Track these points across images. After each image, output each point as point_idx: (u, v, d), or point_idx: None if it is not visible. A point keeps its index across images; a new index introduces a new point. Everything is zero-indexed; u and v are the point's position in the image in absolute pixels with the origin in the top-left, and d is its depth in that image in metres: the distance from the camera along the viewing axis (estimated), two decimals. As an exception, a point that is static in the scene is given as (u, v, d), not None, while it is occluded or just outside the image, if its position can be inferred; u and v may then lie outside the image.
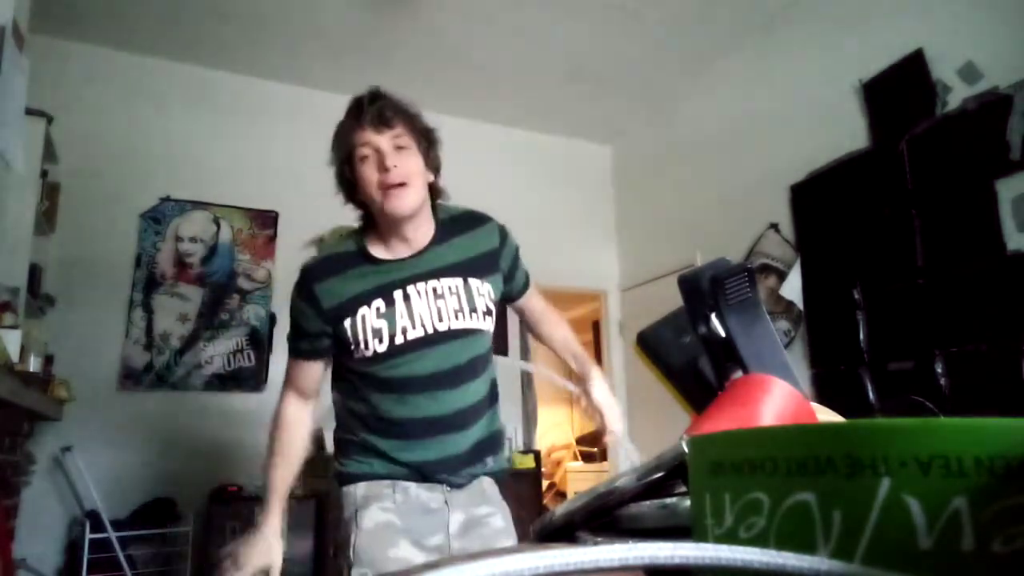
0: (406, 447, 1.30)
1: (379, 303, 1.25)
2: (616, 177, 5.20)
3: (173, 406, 3.60)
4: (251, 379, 3.79)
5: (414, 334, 1.26)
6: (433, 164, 1.32)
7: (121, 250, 3.66)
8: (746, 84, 3.93)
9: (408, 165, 1.24)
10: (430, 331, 1.26)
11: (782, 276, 3.50)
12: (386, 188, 1.23)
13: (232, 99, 4.06)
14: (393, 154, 1.23)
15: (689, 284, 0.62)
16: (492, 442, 1.40)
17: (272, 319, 3.90)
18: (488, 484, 1.39)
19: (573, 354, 1.58)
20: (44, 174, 3.19)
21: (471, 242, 1.35)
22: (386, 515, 1.27)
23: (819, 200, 3.36)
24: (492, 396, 1.42)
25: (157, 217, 3.78)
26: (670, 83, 4.38)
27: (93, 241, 3.59)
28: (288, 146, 4.03)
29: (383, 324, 1.25)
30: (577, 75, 4.23)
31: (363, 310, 1.25)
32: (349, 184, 1.29)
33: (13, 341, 2.49)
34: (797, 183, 3.47)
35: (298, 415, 1.37)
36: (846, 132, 3.21)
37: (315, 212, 2.88)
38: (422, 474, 1.31)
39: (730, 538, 0.27)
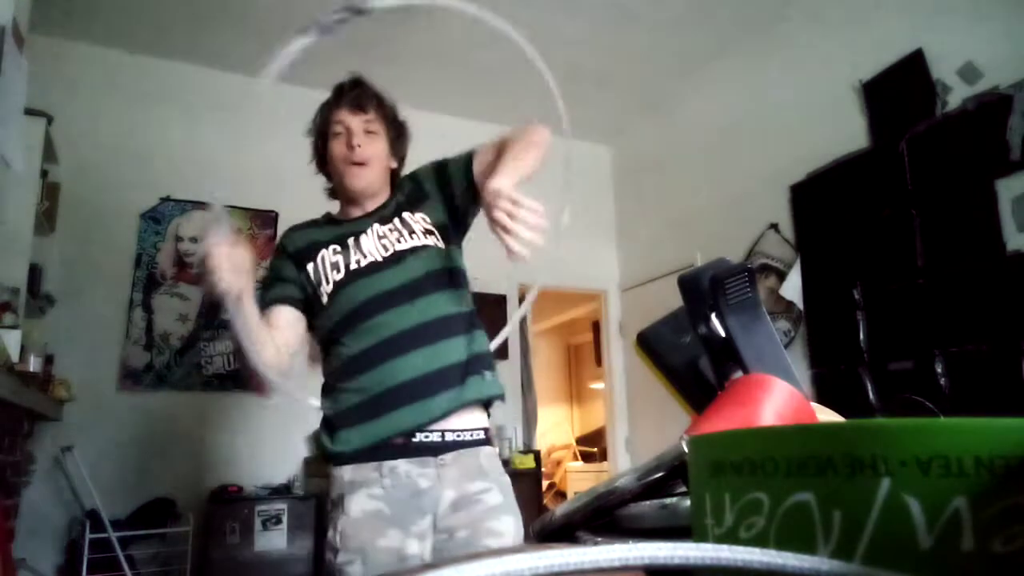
0: (379, 377, 1.29)
1: (336, 246, 1.41)
2: (616, 177, 5.20)
3: (173, 406, 3.60)
4: (251, 379, 3.79)
5: (365, 262, 1.38)
6: (398, 152, 1.50)
7: (121, 250, 3.66)
8: (746, 84, 3.93)
9: (373, 148, 1.42)
10: (377, 259, 1.38)
11: (782, 276, 3.50)
12: (348, 164, 1.40)
13: (232, 99, 4.06)
14: (361, 135, 1.40)
15: (689, 284, 0.62)
16: (471, 363, 1.36)
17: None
18: (486, 457, 1.36)
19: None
20: (44, 174, 3.19)
21: (409, 189, 1.51)
22: (374, 503, 1.26)
23: (819, 200, 3.36)
24: (466, 318, 1.40)
25: (157, 217, 3.78)
26: (670, 83, 4.38)
27: (93, 241, 3.59)
28: (288, 146, 4.00)
29: (339, 258, 1.39)
30: (577, 75, 4.23)
31: (323, 252, 1.40)
32: (321, 156, 1.48)
33: (13, 341, 2.49)
34: (797, 183, 3.47)
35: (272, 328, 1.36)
36: (846, 132, 3.21)
37: (315, 212, 2.88)
38: (402, 429, 1.28)
39: (730, 538, 0.27)
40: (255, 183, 3.97)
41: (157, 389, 3.58)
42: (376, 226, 1.42)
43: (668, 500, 0.42)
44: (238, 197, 3.96)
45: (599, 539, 0.44)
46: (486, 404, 1.40)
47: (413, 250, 1.39)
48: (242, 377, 3.77)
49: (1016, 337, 2.44)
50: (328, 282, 1.37)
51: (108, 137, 3.73)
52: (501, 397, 1.42)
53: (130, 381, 3.53)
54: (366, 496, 1.27)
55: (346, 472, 1.30)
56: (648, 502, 0.43)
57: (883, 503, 0.23)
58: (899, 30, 3.01)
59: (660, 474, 0.43)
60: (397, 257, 1.38)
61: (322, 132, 1.45)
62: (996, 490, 0.21)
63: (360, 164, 1.40)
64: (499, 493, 1.34)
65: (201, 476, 3.49)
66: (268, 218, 4.01)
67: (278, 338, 1.35)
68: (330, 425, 1.35)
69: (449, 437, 1.32)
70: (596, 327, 6.61)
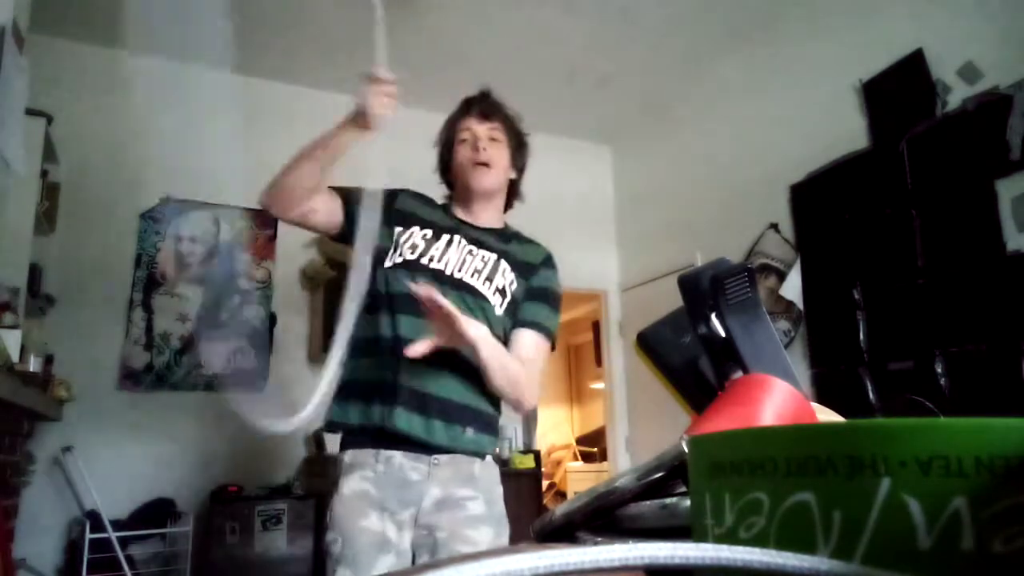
0: (407, 373, 1.32)
1: (429, 231, 1.45)
2: (616, 177, 5.20)
3: (173, 406, 3.60)
4: (251, 379, 3.79)
5: (435, 265, 1.41)
6: (517, 164, 1.56)
7: (121, 250, 3.66)
8: (746, 84, 3.93)
9: (497, 154, 1.49)
10: (447, 272, 1.41)
11: (782, 276, 3.50)
12: (473, 164, 1.47)
13: (233, 99, 4.06)
14: (487, 141, 1.48)
15: (689, 284, 0.62)
16: (476, 416, 1.38)
17: (272, 319, 3.90)
18: (481, 467, 1.39)
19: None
20: (44, 174, 3.19)
21: (520, 248, 1.52)
22: (364, 484, 1.31)
23: (819, 200, 3.36)
24: (487, 394, 1.41)
25: (157, 217, 3.78)
26: (670, 83, 4.37)
27: (93, 241, 3.59)
28: (288, 146, 4.01)
29: (421, 244, 1.43)
30: (577, 75, 4.23)
31: (415, 228, 1.45)
32: (445, 163, 1.54)
33: (13, 341, 2.49)
34: (797, 183, 3.47)
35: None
36: (846, 132, 3.20)
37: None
38: (400, 430, 1.31)
39: (730, 538, 0.27)
40: (255, 183, 3.96)
41: (157, 389, 3.58)
42: (465, 244, 1.45)
43: (668, 500, 0.42)
44: (238, 197, 3.96)
45: (599, 539, 0.44)
46: (481, 456, 1.41)
47: (475, 292, 1.41)
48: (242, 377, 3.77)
49: (1016, 337, 2.44)
50: (400, 253, 1.41)
51: (108, 137, 3.73)
52: (496, 458, 1.47)
53: (130, 381, 3.53)
54: (359, 477, 1.32)
55: (347, 455, 1.36)
56: (648, 502, 0.43)
57: (883, 503, 0.23)
58: (899, 30, 3.01)
59: (660, 474, 0.43)
60: (460, 285, 1.40)
61: (448, 140, 1.53)
62: (996, 490, 0.21)
63: (484, 165, 1.47)
64: (483, 504, 1.37)
65: (201, 476, 3.49)
66: (268, 218, 4.01)
67: (314, 192, 1.39)
68: (336, 394, 1.39)
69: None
70: (596, 327, 6.61)
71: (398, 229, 1.44)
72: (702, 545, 0.21)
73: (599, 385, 6.20)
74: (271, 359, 3.84)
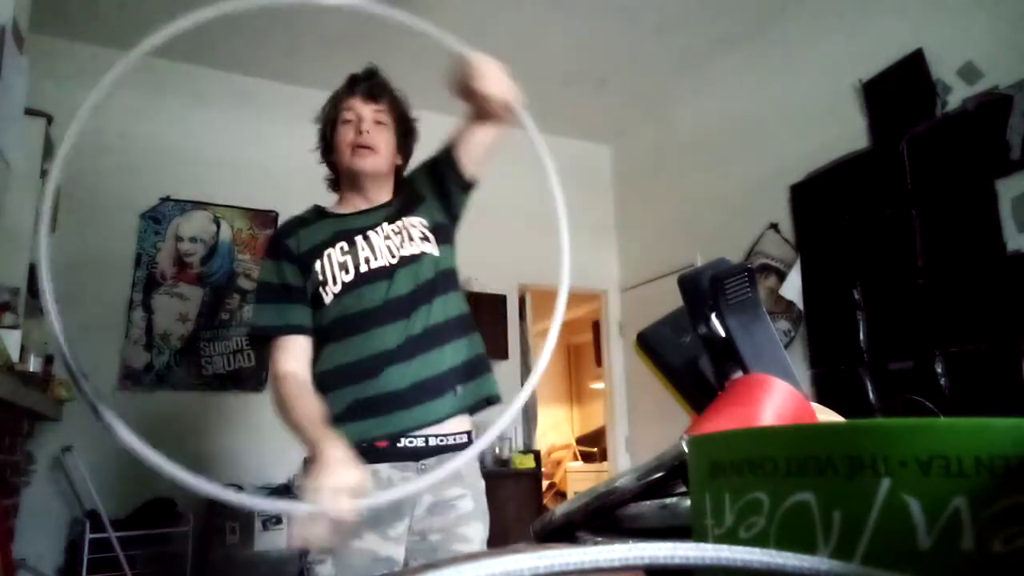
0: (376, 383, 1.28)
1: (343, 244, 1.37)
2: (616, 177, 5.20)
3: (173, 406, 3.60)
4: (251, 379, 3.79)
5: (376, 263, 1.35)
6: (404, 150, 1.48)
7: (121, 250, 3.66)
8: (746, 84, 3.93)
9: (381, 137, 1.41)
10: (384, 263, 1.36)
11: (782, 276, 3.50)
12: (354, 147, 1.38)
13: (232, 99, 4.06)
14: (371, 124, 1.40)
15: (689, 284, 0.62)
16: (470, 367, 1.37)
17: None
18: (466, 463, 1.35)
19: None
20: (44, 174, 3.19)
21: (409, 191, 1.49)
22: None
23: (819, 200, 3.36)
24: (464, 321, 1.40)
25: (157, 217, 3.78)
26: (670, 83, 4.38)
27: (93, 241, 3.59)
28: (288, 146, 4.01)
29: (347, 258, 1.35)
30: (577, 75, 4.23)
31: (329, 251, 1.36)
32: (327, 144, 1.45)
33: (13, 341, 2.49)
34: (797, 183, 3.47)
35: (302, 376, 1.34)
36: (846, 132, 3.21)
37: (315, 212, 2.90)
38: (392, 431, 1.28)
39: (730, 538, 0.27)
40: (255, 183, 3.98)
41: (157, 389, 3.58)
42: (385, 224, 1.40)
43: (668, 500, 0.42)
44: (238, 197, 3.96)
45: (599, 539, 0.44)
46: (483, 406, 1.39)
47: (413, 257, 1.37)
48: (242, 377, 3.77)
49: (1016, 337, 2.44)
50: (336, 282, 1.34)
51: (108, 137, 3.73)
52: (498, 398, 1.40)
53: (130, 381, 3.53)
54: None
55: None
56: (648, 502, 0.43)
57: (883, 503, 0.23)
58: (899, 30, 3.01)
59: (660, 474, 0.43)
60: (401, 263, 1.36)
61: (331, 119, 1.44)
62: (996, 490, 0.21)
63: (367, 148, 1.39)
64: (472, 500, 1.35)
65: (201, 476, 3.49)
66: (268, 218, 4.01)
67: (306, 378, 1.33)
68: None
69: (432, 442, 1.32)
70: (596, 327, 6.61)
71: (316, 265, 1.35)
72: (702, 545, 0.21)
73: (599, 385, 6.20)
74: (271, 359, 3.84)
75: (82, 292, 3.51)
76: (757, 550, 0.21)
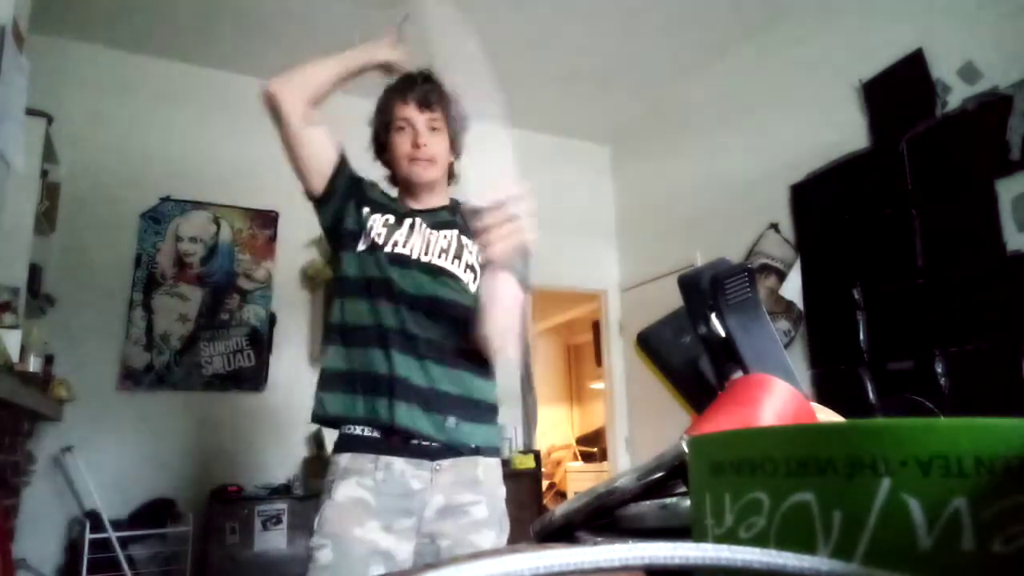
0: (390, 365, 1.30)
1: (390, 217, 1.43)
2: (616, 177, 5.20)
3: (173, 406, 3.60)
4: (251, 379, 3.79)
5: (401, 251, 1.38)
6: (457, 148, 1.51)
7: (121, 250, 3.66)
8: (745, 84, 3.93)
9: (437, 146, 1.45)
10: (414, 256, 1.38)
11: (782, 276, 3.50)
12: (412, 160, 1.43)
13: (232, 99, 4.06)
14: (427, 133, 1.43)
15: (689, 284, 0.62)
16: (474, 405, 1.35)
17: (272, 319, 3.90)
18: (483, 468, 1.35)
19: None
20: (44, 174, 3.19)
21: (472, 217, 1.48)
22: (361, 491, 1.26)
23: (819, 200, 3.36)
24: (480, 367, 1.38)
25: (157, 217, 3.78)
26: (670, 83, 4.38)
27: (93, 241, 3.59)
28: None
29: (385, 230, 1.40)
30: (577, 75, 4.23)
31: (377, 214, 1.43)
32: (381, 146, 1.50)
33: (13, 341, 2.49)
34: (797, 183, 3.47)
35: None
36: (846, 132, 3.21)
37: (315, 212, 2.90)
38: (389, 424, 1.28)
39: (730, 538, 0.27)
40: (255, 183, 3.97)
41: (157, 389, 3.58)
42: (426, 228, 1.43)
43: (668, 500, 0.42)
44: (238, 197, 3.96)
45: (599, 539, 0.44)
46: (467, 451, 1.35)
47: (446, 273, 1.38)
48: (242, 377, 3.77)
49: (1016, 337, 2.44)
50: (368, 235, 1.39)
51: (108, 137, 3.73)
52: (496, 452, 1.41)
53: (130, 381, 3.53)
54: (355, 484, 1.27)
55: (344, 459, 1.30)
56: (648, 502, 0.43)
57: (883, 503, 0.23)
58: (899, 30, 3.01)
59: (660, 474, 0.43)
60: (431, 269, 1.37)
61: (384, 123, 1.47)
62: (996, 490, 0.21)
63: (425, 160, 1.43)
64: (486, 508, 1.32)
65: (201, 476, 3.49)
66: (268, 218, 4.01)
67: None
68: (329, 383, 1.35)
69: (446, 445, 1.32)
70: (596, 327, 6.61)
71: (365, 210, 1.42)
72: (702, 545, 0.21)
73: (599, 385, 6.20)
74: (271, 359, 3.84)
75: (82, 292, 3.51)
76: (757, 550, 0.21)
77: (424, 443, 1.30)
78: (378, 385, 1.30)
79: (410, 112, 1.42)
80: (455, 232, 1.45)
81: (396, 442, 1.29)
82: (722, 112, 4.10)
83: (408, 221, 1.42)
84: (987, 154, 2.60)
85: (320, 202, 1.43)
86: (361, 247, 1.39)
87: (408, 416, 1.28)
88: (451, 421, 1.32)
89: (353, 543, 1.22)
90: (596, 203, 5.08)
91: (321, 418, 1.35)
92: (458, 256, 1.42)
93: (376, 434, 1.29)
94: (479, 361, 1.38)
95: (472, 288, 1.40)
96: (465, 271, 1.41)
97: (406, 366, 1.30)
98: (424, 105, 1.43)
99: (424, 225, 1.43)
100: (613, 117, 4.80)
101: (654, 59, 4.11)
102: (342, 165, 1.43)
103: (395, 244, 1.38)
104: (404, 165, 1.44)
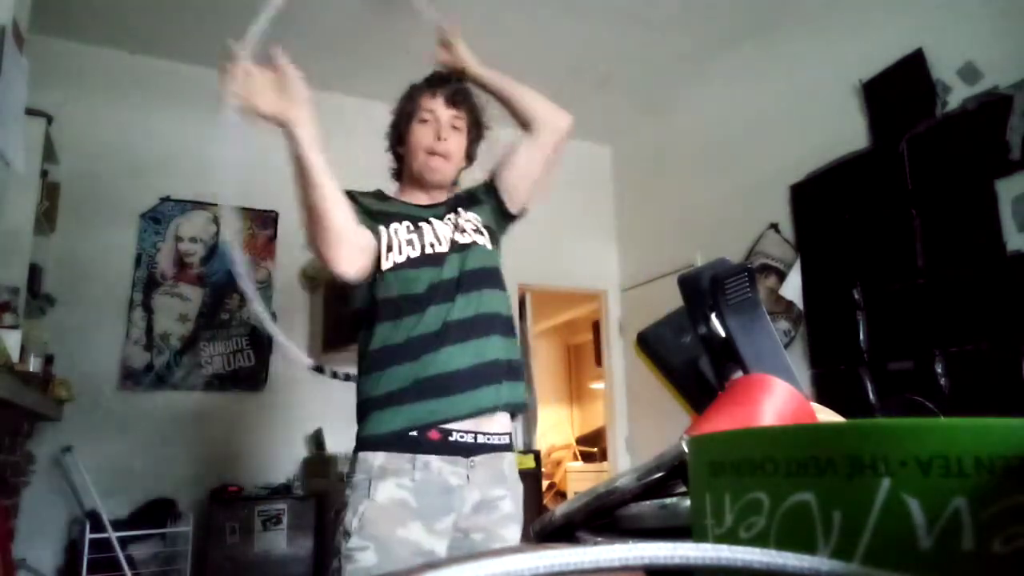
0: (429, 364, 1.31)
1: (408, 224, 1.42)
2: (616, 177, 5.20)
3: (173, 406, 3.60)
4: (251, 379, 3.79)
5: (439, 248, 1.40)
6: (471, 154, 1.55)
7: (121, 250, 3.66)
8: (746, 84, 3.93)
9: (456, 144, 1.47)
10: (445, 249, 1.41)
11: (782, 276, 3.50)
12: (431, 153, 1.44)
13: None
14: (449, 129, 1.45)
15: (689, 284, 0.62)
16: (510, 368, 1.40)
17: (272, 319, 3.89)
18: (508, 463, 1.40)
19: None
20: (44, 174, 3.19)
21: (465, 194, 1.57)
22: (402, 492, 1.26)
23: (819, 200, 3.36)
24: (509, 321, 1.46)
25: (157, 217, 3.78)
26: (670, 83, 4.37)
27: (93, 241, 3.59)
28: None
29: (413, 236, 1.40)
30: (577, 75, 4.23)
31: (395, 224, 1.41)
32: (399, 136, 1.49)
33: (13, 341, 2.49)
34: (797, 183, 3.47)
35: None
36: (846, 132, 3.21)
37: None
38: (441, 418, 1.29)
39: (730, 538, 0.27)
40: (255, 183, 3.97)
41: (157, 389, 3.58)
42: (447, 217, 1.46)
43: (668, 500, 0.42)
44: (238, 197, 3.96)
45: (599, 539, 0.44)
46: (515, 411, 1.42)
47: (464, 246, 1.42)
48: (242, 377, 3.77)
49: (1016, 337, 2.44)
50: (400, 252, 1.38)
51: (108, 137, 3.73)
52: (526, 408, 1.46)
53: (130, 381, 3.53)
54: (395, 485, 1.26)
55: (378, 458, 1.28)
56: (648, 502, 0.43)
57: (883, 503, 0.23)
58: (899, 30, 3.01)
59: (660, 474, 0.43)
60: (453, 248, 1.41)
61: (407, 113, 1.47)
62: (996, 490, 0.21)
63: (442, 156, 1.44)
64: (511, 502, 1.37)
65: (201, 476, 3.49)
66: (268, 218, 4.01)
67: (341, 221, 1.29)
68: (366, 408, 1.34)
69: (480, 439, 1.34)
70: (596, 327, 6.61)
71: (382, 229, 1.40)
72: (702, 545, 0.21)
73: (599, 385, 6.20)
74: (271, 359, 3.84)
75: (82, 292, 3.51)
76: (757, 550, 0.21)
77: (461, 438, 1.31)
78: (446, 384, 1.31)
79: (437, 106, 1.44)
80: (453, 214, 1.47)
81: (433, 439, 1.30)
82: (722, 112, 4.10)
83: (424, 223, 1.43)
84: (987, 154, 2.60)
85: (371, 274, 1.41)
86: (388, 264, 1.37)
87: (472, 400, 1.31)
88: (503, 384, 1.37)
89: (397, 544, 1.22)
90: (596, 203, 5.08)
91: (380, 438, 1.31)
92: (464, 229, 1.45)
93: (414, 433, 1.29)
94: (512, 325, 1.46)
95: (490, 246, 1.46)
96: (475, 234, 1.45)
97: (463, 353, 1.33)
98: (451, 102, 1.45)
99: (440, 219, 1.46)
100: (613, 117, 4.79)
101: (655, 59, 4.11)
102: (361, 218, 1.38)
103: (432, 247, 1.40)
104: (420, 156, 1.44)
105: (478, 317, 1.37)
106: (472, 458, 1.32)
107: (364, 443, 1.31)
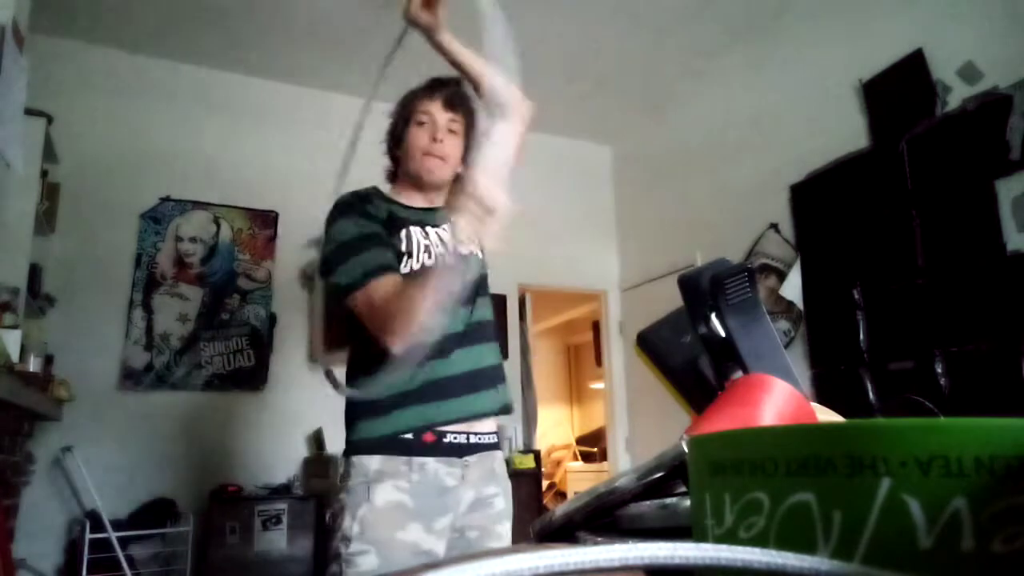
0: (430, 371, 1.31)
1: (419, 228, 1.41)
2: (616, 177, 5.20)
3: (173, 406, 3.60)
4: (251, 379, 3.79)
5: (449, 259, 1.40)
6: (467, 159, 1.51)
7: (121, 250, 3.66)
8: (746, 84, 3.93)
9: (452, 147, 1.46)
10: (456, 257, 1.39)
11: (782, 276, 3.50)
12: (427, 155, 1.43)
13: (232, 99, 4.06)
14: (446, 132, 1.44)
15: (689, 284, 0.62)
16: (500, 372, 1.44)
17: (272, 319, 3.90)
18: (498, 462, 1.43)
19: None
20: (44, 174, 3.19)
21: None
22: (399, 495, 1.26)
23: (819, 200, 3.36)
24: (495, 326, 1.50)
25: (157, 217, 3.78)
26: (670, 83, 4.38)
27: (93, 241, 3.59)
28: (288, 146, 4.03)
29: (428, 243, 1.40)
30: (577, 75, 4.23)
31: (413, 229, 1.40)
32: (396, 139, 1.49)
33: (13, 341, 2.49)
34: (797, 183, 3.47)
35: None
36: (846, 132, 3.20)
37: (315, 212, 2.90)
38: (439, 421, 1.30)
39: (730, 538, 0.27)
40: (255, 183, 3.98)
41: (157, 389, 3.58)
42: (436, 229, 1.45)
43: (668, 500, 0.42)
44: (238, 197, 3.96)
45: (599, 539, 0.44)
46: (506, 412, 1.46)
47: (467, 256, 1.41)
48: (242, 377, 3.77)
49: (1016, 337, 2.44)
50: (417, 259, 1.37)
51: (108, 137, 3.73)
52: (512, 408, 1.49)
53: (130, 381, 3.53)
54: (392, 487, 1.26)
55: (374, 461, 1.28)
56: (648, 502, 0.43)
57: (883, 503, 0.23)
58: (899, 30, 3.01)
59: (660, 474, 0.43)
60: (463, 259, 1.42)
61: (405, 116, 1.48)
62: (996, 490, 0.21)
63: (438, 158, 1.44)
64: (503, 499, 1.41)
65: (201, 476, 3.49)
66: (268, 218, 4.01)
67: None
68: (360, 412, 1.33)
69: (473, 439, 1.36)
70: (596, 327, 6.61)
71: (402, 234, 1.39)
72: (702, 545, 0.21)
73: (599, 385, 6.20)
74: (271, 359, 3.84)
75: (82, 292, 3.51)
76: (757, 550, 0.21)
77: (455, 439, 1.33)
78: (447, 389, 1.33)
79: (434, 108, 1.44)
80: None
81: (428, 441, 1.31)
82: (722, 112, 4.10)
83: (431, 229, 1.43)
84: (987, 154, 2.60)
85: None
86: (415, 265, 1.36)
87: (472, 404, 1.34)
88: (498, 388, 1.41)
89: (397, 546, 1.23)
90: (596, 203, 5.08)
91: (374, 441, 1.30)
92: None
93: (408, 435, 1.30)
94: (496, 329, 1.49)
95: (480, 252, 1.47)
96: (471, 243, 1.41)
97: (468, 358, 1.37)
98: (448, 105, 1.45)
99: (434, 226, 1.45)
100: (613, 117, 4.79)
101: (655, 59, 4.11)
102: (375, 243, 1.35)
103: (442, 256, 1.39)
104: (417, 158, 1.44)
105: (477, 324, 1.41)
106: (466, 458, 1.34)
107: (358, 447, 1.31)
